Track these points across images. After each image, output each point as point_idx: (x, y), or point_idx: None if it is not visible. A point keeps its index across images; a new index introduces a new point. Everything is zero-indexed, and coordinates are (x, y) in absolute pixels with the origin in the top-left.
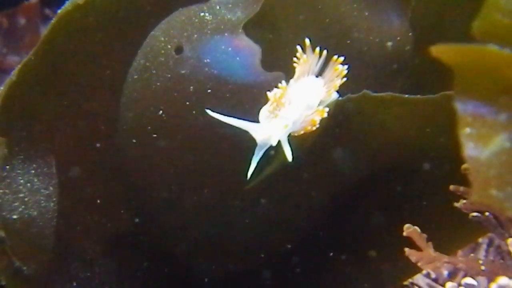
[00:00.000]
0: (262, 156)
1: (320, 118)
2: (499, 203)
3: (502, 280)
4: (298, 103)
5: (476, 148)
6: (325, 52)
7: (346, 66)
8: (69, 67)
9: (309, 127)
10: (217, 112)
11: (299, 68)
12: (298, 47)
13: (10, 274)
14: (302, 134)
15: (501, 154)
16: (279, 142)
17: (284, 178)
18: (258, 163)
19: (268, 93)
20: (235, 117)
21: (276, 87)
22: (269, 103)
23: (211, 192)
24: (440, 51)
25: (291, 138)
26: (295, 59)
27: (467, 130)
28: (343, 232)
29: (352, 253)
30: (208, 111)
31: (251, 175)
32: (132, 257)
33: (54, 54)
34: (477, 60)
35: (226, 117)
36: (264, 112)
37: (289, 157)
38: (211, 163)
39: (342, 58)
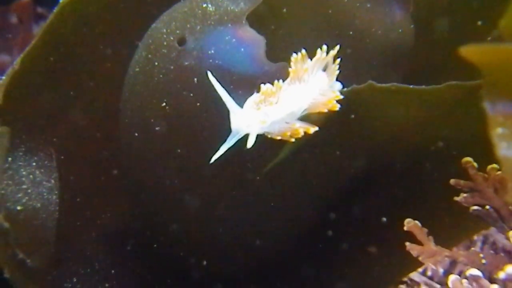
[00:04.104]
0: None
1: (303, 132)
2: None
3: (510, 268)
4: (283, 107)
5: (510, 147)
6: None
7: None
8: (71, 58)
9: (288, 134)
10: (220, 104)
11: (292, 73)
12: (294, 54)
13: (13, 266)
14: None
15: None
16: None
17: (287, 171)
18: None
19: (262, 85)
20: (228, 92)
21: (273, 81)
22: (257, 95)
23: (215, 187)
24: (468, 51)
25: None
26: (291, 63)
27: (499, 130)
28: (343, 227)
29: (352, 249)
30: (209, 74)
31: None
32: (132, 253)
33: (56, 44)
34: (505, 60)
35: (220, 87)
36: (250, 102)
37: (249, 145)
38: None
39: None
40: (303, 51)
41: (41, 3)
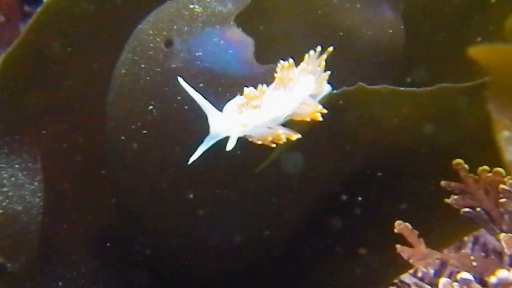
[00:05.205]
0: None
1: (286, 138)
2: None
3: (502, 273)
4: (266, 112)
5: None
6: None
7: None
8: (55, 58)
9: (269, 139)
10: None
11: (278, 79)
12: (281, 61)
13: None
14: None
15: None
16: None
17: (276, 173)
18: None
19: (245, 88)
20: (204, 97)
21: (262, 83)
22: (240, 98)
23: (203, 188)
24: (476, 52)
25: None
26: (277, 69)
27: (506, 133)
28: (333, 229)
29: (342, 251)
30: (180, 80)
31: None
32: (120, 256)
33: (40, 44)
34: None
35: (194, 92)
36: (230, 105)
37: (229, 148)
38: (203, 160)
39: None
40: (291, 60)
41: (28, 1)
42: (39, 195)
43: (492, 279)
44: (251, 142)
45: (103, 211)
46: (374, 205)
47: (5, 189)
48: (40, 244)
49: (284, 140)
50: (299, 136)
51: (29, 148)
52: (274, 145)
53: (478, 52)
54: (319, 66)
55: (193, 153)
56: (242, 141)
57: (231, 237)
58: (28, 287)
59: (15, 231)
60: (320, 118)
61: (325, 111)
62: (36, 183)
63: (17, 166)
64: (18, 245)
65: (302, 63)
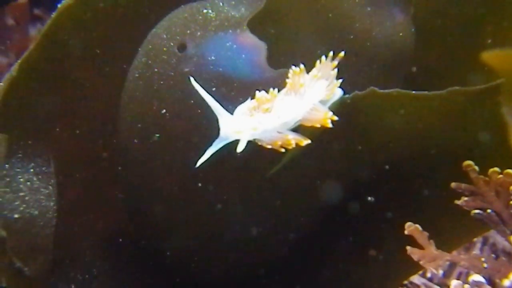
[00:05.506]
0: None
1: (295, 143)
2: None
3: None
4: (277, 117)
5: None
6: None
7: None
8: (69, 63)
9: (279, 143)
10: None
11: (289, 85)
12: (293, 67)
13: (11, 275)
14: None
15: None
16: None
17: (286, 176)
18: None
19: (257, 92)
20: (215, 99)
21: (275, 88)
22: (251, 101)
23: (216, 192)
24: (490, 56)
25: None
26: (289, 74)
27: None
28: (343, 231)
29: (353, 252)
30: (192, 80)
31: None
32: (131, 259)
33: (54, 50)
34: None
35: (206, 93)
36: (241, 108)
37: (239, 150)
38: (215, 164)
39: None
40: (302, 66)
41: (38, 4)
42: (53, 199)
43: (505, 282)
44: (261, 146)
45: (115, 214)
46: (384, 207)
47: (22, 193)
48: (53, 247)
49: (294, 145)
50: (309, 141)
51: (43, 153)
52: (283, 150)
53: (491, 56)
54: (331, 71)
55: (202, 156)
56: (253, 144)
57: (242, 238)
58: None
59: (32, 235)
60: (330, 125)
61: (335, 117)
62: (51, 187)
63: (32, 170)
64: (34, 249)
65: (313, 69)
